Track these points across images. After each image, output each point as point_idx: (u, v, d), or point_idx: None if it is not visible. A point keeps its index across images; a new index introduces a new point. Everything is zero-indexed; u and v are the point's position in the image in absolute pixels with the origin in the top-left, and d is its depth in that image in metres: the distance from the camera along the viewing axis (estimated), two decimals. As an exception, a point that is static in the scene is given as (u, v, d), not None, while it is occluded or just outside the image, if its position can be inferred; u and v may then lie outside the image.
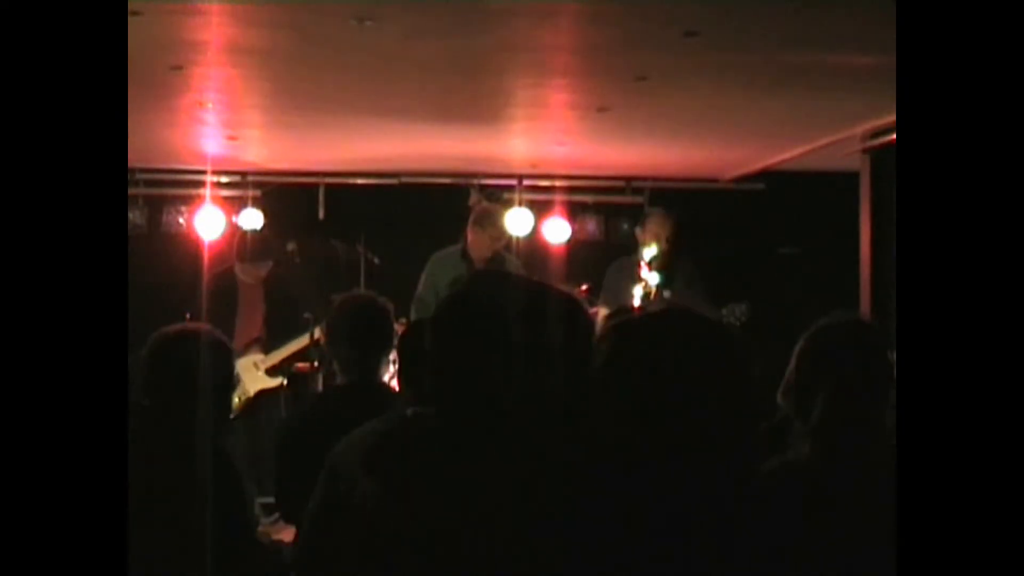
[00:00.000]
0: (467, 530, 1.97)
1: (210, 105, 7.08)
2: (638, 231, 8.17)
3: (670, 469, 1.93)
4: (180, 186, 9.94)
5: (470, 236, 7.81)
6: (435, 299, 7.50)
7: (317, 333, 7.32)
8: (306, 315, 7.69)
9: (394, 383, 6.14)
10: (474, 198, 9.85)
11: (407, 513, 2.03)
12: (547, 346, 2.08)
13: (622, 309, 5.32)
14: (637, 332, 2.04)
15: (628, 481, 1.93)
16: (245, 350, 7.80)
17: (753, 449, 2.06)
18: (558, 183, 10.11)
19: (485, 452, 2.04)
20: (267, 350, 7.98)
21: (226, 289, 7.90)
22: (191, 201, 9.82)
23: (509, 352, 2.07)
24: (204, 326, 3.64)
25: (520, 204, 10.08)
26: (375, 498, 2.08)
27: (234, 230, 9.52)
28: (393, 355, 5.41)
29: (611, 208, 10.41)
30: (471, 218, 7.90)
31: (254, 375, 7.87)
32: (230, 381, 3.70)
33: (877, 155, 7.88)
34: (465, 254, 7.78)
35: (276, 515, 5.29)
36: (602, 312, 7.32)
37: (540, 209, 10.15)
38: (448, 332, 2.15)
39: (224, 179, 9.93)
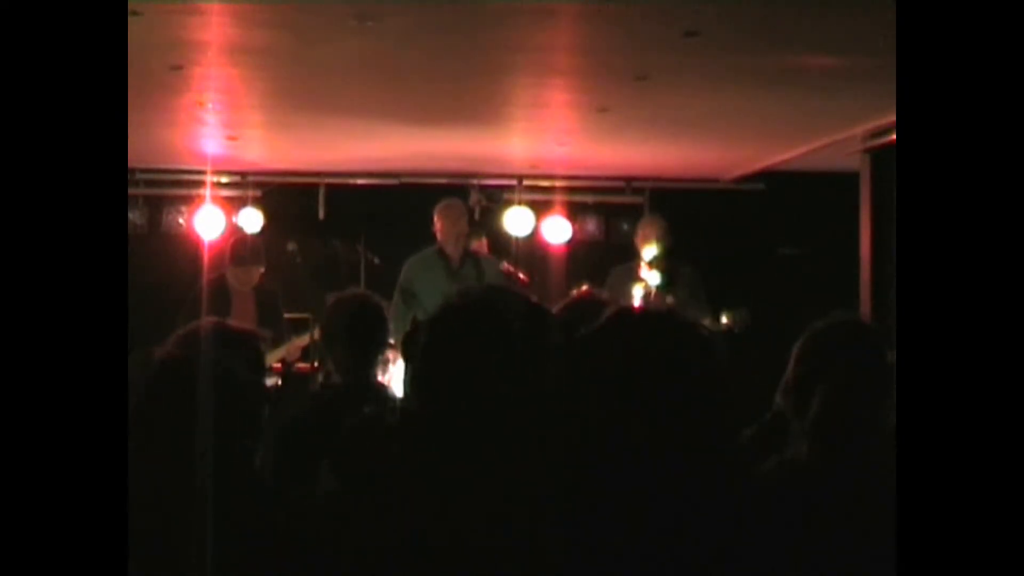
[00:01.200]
0: (446, 529, 1.98)
1: (210, 105, 7.08)
2: (636, 239, 8.19)
3: (653, 469, 1.93)
4: (180, 186, 9.95)
5: (438, 230, 7.83)
6: (413, 301, 7.56)
7: (317, 333, 7.33)
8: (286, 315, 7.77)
9: (388, 381, 6.13)
10: (474, 198, 9.86)
11: (381, 510, 2.03)
12: (536, 355, 2.09)
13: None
14: (604, 338, 2.06)
15: (610, 481, 1.94)
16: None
17: (740, 446, 2.07)
18: (558, 183, 10.11)
19: (466, 450, 2.04)
20: None
21: (218, 296, 7.89)
22: (191, 201, 9.83)
23: (498, 360, 2.08)
24: (244, 326, 3.59)
25: (520, 204, 10.08)
26: (346, 495, 2.09)
27: (233, 230, 9.53)
28: (390, 354, 5.39)
29: (611, 208, 10.42)
30: (435, 212, 7.91)
31: None
32: (262, 382, 3.63)
33: (877, 155, 7.88)
34: (441, 252, 7.81)
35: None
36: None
37: (540, 209, 10.16)
38: (444, 335, 2.17)
39: (224, 179, 9.94)
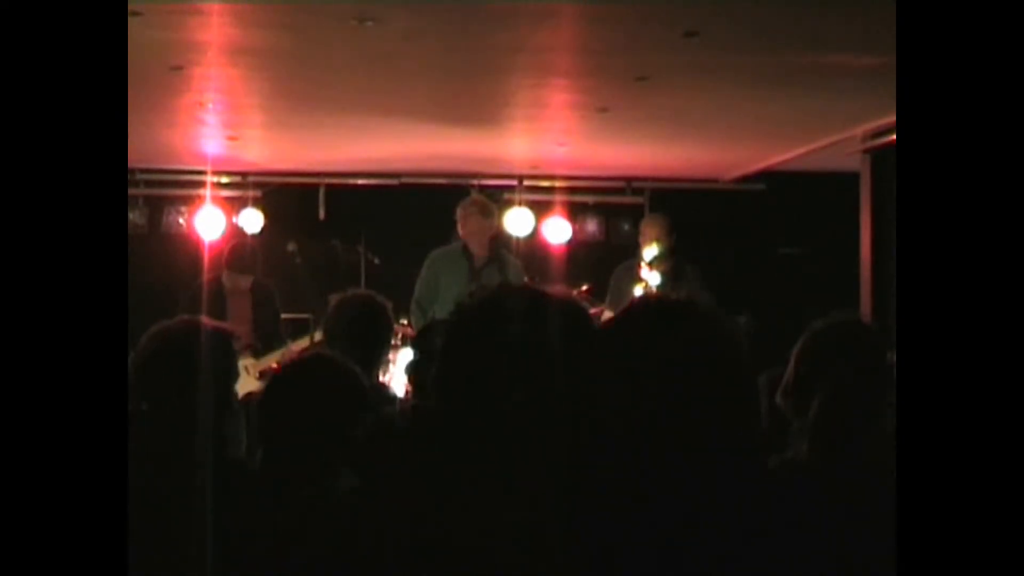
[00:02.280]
0: (463, 527, 1.97)
1: (210, 105, 7.08)
2: (639, 238, 8.19)
3: (668, 465, 1.92)
4: (180, 186, 9.95)
5: (462, 227, 7.56)
6: (436, 298, 7.43)
7: (319, 334, 7.30)
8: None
9: (389, 381, 6.12)
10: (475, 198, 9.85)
11: (400, 508, 2.03)
12: (552, 352, 2.08)
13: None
14: (629, 326, 2.05)
15: (627, 479, 1.93)
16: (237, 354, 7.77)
17: (755, 444, 2.05)
18: (558, 183, 10.11)
19: (484, 450, 2.04)
20: (257, 356, 7.96)
21: (214, 296, 7.88)
22: (191, 201, 9.83)
23: (525, 360, 2.08)
24: (200, 318, 3.60)
25: (520, 204, 10.08)
26: (366, 493, 2.09)
27: (233, 231, 9.53)
28: (391, 355, 5.38)
29: (611, 208, 10.42)
30: (463, 209, 7.62)
31: (244, 379, 7.82)
32: (233, 369, 3.65)
33: (877, 155, 7.89)
34: (466, 250, 7.57)
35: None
36: (607, 314, 7.29)
37: (540, 209, 10.16)
38: (460, 335, 2.16)
39: (224, 179, 9.94)
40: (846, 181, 8.44)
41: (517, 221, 9.95)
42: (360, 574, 2.10)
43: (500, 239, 8.34)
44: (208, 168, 9.37)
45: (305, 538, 2.57)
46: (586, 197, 10.35)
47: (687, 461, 1.92)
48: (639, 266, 7.89)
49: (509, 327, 2.11)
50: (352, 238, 8.97)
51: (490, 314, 2.15)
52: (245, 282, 8.05)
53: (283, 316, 8.28)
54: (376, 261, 8.93)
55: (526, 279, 7.90)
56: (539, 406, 2.05)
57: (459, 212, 7.62)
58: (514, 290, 2.31)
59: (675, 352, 1.95)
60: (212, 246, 9.19)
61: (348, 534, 2.09)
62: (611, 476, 1.95)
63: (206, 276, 8.18)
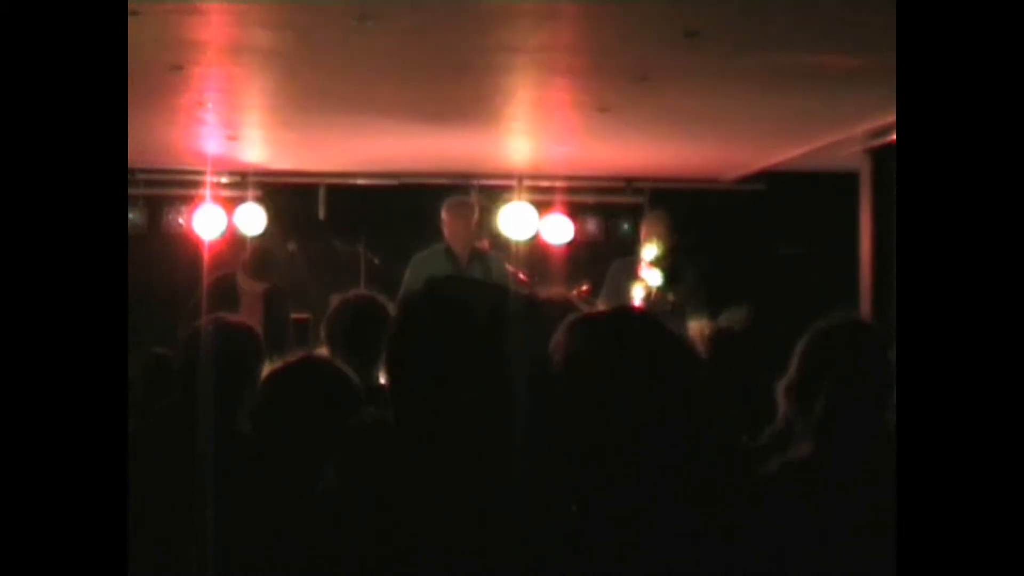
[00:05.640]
0: (421, 535, 1.97)
1: (210, 105, 7.08)
2: (641, 235, 8.20)
3: (635, 466, 1.93)
4: (180, 186, 9.94)
5: (447, 227, 7.78)
6: None
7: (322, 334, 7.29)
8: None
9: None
10: (474, 198, 9.86)
11: (375, 509, 2.03)
12: (502, 349, 2.07)
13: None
14: (587, 330, 2.06)
15: (588, 476, 1.94)
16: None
17: (730, 447, 2.06)
18: (558, 183, 10.10)
19: (434, 458, 2.03)
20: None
21: (227, 295, 7.83)
22: (191, 201, 9.82)
23: (461, 355, 2.07)
24: (236, 318, 3.69)
25: (520, 203, 10.08)
26: (345, 494, 2.09)
27: (235, 231, 9.52)
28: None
29: (611, 208, 10.41)
30: (444, 209, 7.85)
31: None
32: (259, 367, 3.74)
33: (877, 155, 7.89)
34: (448, 250, 7.74)
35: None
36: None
37: (540, 209, 10.15)
38: (400, 335, 2.17)
39: (224, 179, 9.94)
40: (846, 181, 8.44)
41: (517, 221, 9.95)
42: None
43: (482, 236, 8.52)
44: (208, 168, 9.36)
45: (286, 538, 2.58)
46: (586, 197, 10.35)
47: (639, 464, 1.93)
48: (639, 265, 7.90)
49: (443, 324, 2.10)
50: (352, 238, 8.97)
51: (423, 313, 2.15)
52: (261, 287, 8.00)
53: (291, 318, 8.25)
54: (376, 261, 8.93)
55: (521, 276, 7.96)
56: (481, 400, 2.04)
57: (443, 214, 7.82)
58: (464, 284, 2.29)
59: (612, 360, 1.98)
60: (212, 246, 9.18)
61: (325, 535, 2.09)
62: (563, 471, 1.95)
63: (218, 273, 8.10)
